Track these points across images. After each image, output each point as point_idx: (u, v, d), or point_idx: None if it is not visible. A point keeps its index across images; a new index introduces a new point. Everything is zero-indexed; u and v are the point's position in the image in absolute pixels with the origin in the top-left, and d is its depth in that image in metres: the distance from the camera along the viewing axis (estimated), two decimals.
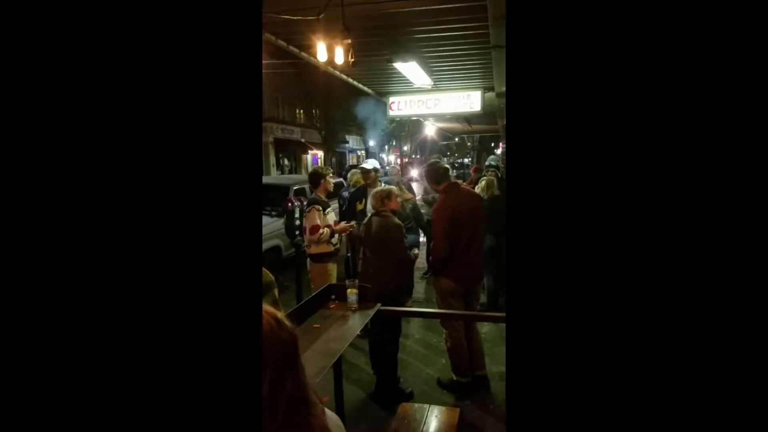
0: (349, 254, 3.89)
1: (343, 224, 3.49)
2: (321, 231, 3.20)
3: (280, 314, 0.64)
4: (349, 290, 2.31)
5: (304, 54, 3.71)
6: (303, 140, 20.15)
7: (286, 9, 2.57)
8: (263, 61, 2.99)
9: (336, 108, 18.49)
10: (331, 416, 0.70)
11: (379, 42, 3.61)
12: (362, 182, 3.84)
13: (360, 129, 21.73)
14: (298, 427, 0.59)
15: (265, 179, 7.96)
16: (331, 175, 3.53)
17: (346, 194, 4.00)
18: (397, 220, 2.70)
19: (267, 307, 0.64)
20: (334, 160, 22.22)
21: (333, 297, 2.37)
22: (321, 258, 3.31)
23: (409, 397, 2.62)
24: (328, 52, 2.55)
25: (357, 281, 2.36)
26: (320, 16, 2.49)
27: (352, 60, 2.60)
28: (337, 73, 4.45)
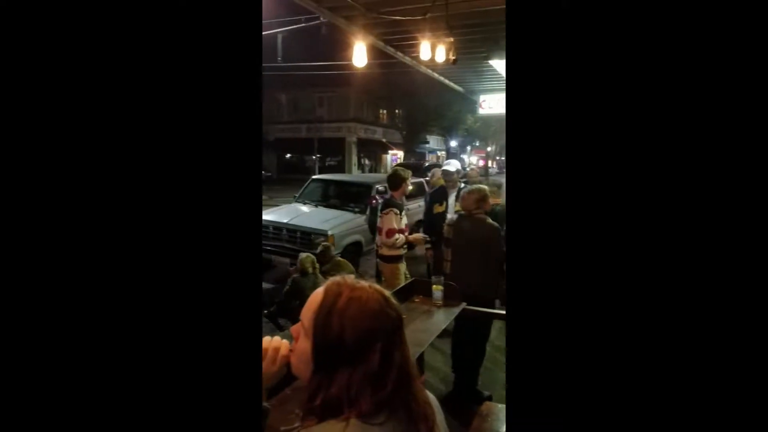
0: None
1: (417, 235, 3.42)
2: (396, 236, 3.18)
3: (387, 293, 0.68)
4: (434, 286, 2.33)
5: (399, 54, 3.80)
6: (384, 140, 20.59)
7: (392, 10, 2.66)
8: (370, 61, 3.13)
9: (419, 108, 18.56)
10: (429, 394, 0.73)
11: (476, 39, 3.56)
12: (442, 183, 3.78)
13: (442, 129, 21.57)
14: (404, 398, 0.63)
15: (349, 177, 8.36)
16: (411, 176, 3.47)
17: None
18: (494, 222, 2.64)
19: (376, 286, 0.68)
20: (413, 160, 22.37)
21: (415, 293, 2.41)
22: (391, 259, 3.32)
23: (488, 400, 2.56)
24: (431, 50, 2.59)
25: (443, 278, 2.37)
26: (427, 16, 2.54)
27: (453, 58, 2.61)
28: (430, 72, 4.48)
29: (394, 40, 3.59)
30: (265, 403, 0.71)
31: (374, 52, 4.19)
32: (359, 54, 2.81)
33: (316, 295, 0.66)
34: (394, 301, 0.68)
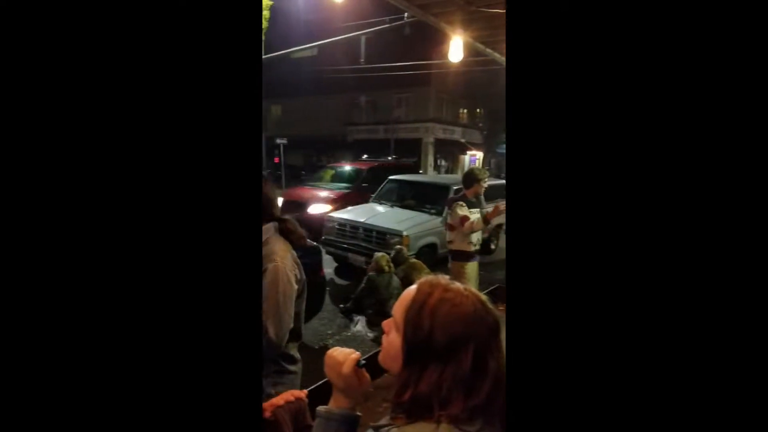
0: None
1: (498, 205, 3.17)
2: (471, 219, 3.10)
3: (484, 297, 0.66)
4: None
5: (489, 50, 3.64)
6: (463, 140, 20.16)
7: (490, 3, 2.54)
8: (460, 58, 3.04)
9: (502, 106, 17.82)
10: None
11: None
12: None
13: None
14: (501, 408, 0.61)
15: (425, 178, 8.28)
16: (487, 179, 3.39)
17: None
18: None
19: (472, 290, 0.66)
20: (493, 161, 21.59)
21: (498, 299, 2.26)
22: (459, 256, 3.25)
23: None
24: None
25: None
26: None
27: None
28: None
29: (485, 36, 3.44)
30: (357, 412, 0.71)
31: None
32: (455, 49, 2.73)
33: (409, 292, 0.67)
34: (491, 306, 0.66)
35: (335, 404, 0.71)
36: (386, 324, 0.70)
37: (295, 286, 1.35)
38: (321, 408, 0.71)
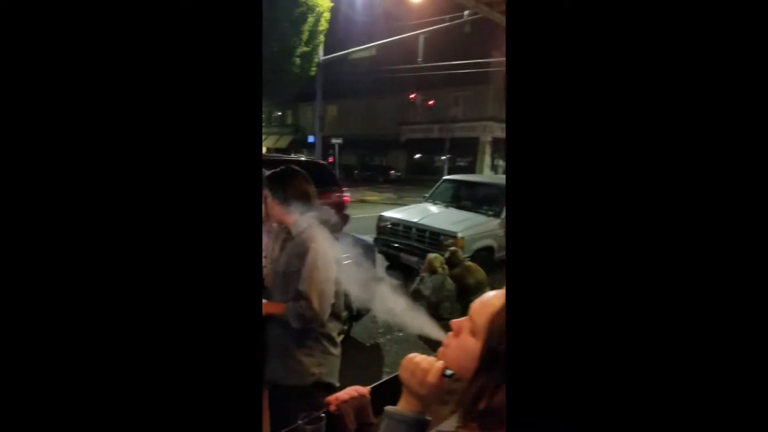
0: None
1: None
2: None
3: None
4: None
5: None
6: None
7: None
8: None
9: None
10: None
11: None
12: None
13: None
14: None
15: (482, 178, 8.05)
16: None
17: None
18: None
19: None
20: None
21: None
22: None
23: None
24: None
25: None
26: None
27: None
28: None
29: None
30: (428, 417, 0.69)
31: None
32: None
33: (495, 299, 0.64)
34: None
35: (406, 407, 0.69)
36: (457, 324, 0.67)
37: (334, 265, 1.53)
38: (391, 408, 0.69)
